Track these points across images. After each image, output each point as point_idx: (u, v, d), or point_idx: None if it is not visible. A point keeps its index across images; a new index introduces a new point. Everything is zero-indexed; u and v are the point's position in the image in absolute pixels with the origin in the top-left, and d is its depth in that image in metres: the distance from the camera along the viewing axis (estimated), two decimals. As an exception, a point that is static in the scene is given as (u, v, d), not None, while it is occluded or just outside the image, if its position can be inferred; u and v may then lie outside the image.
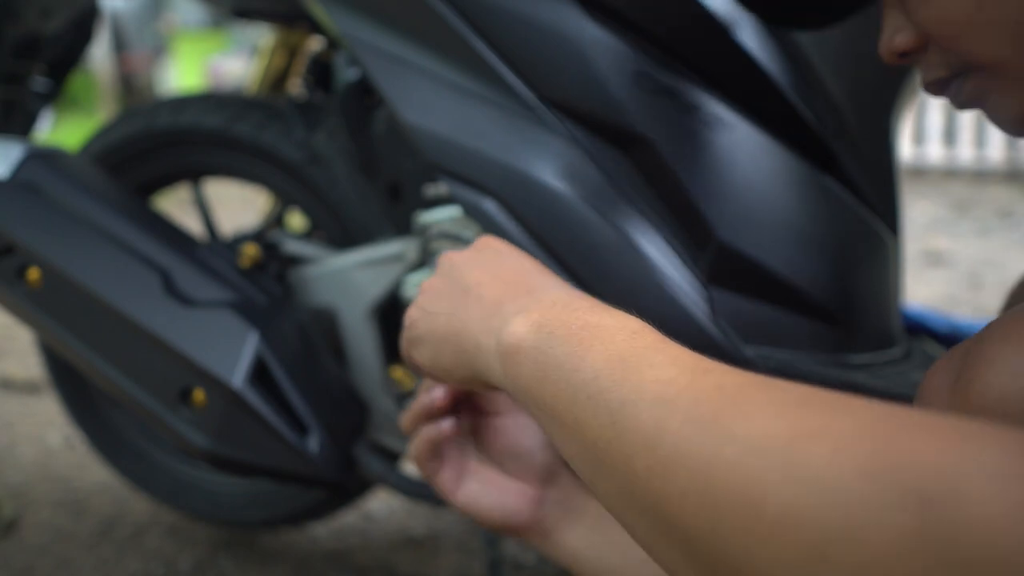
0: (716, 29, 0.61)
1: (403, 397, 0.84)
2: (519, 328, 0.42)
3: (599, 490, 0.34)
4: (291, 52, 1.10)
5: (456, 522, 1.19)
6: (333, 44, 0.93)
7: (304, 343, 0.81)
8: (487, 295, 0.47)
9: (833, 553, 0.23)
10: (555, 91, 0.63)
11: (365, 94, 0.85)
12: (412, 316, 0.52)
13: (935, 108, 4.38)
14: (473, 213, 0.63)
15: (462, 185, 0.63)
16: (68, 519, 1.23)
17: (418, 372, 0.52)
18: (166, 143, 0.93)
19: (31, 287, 0.73)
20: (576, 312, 0.41)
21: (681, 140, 0.61)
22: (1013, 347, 0.35)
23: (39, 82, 1.00)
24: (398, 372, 0.84)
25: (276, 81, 1.11)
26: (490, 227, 0.62)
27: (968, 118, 4.28)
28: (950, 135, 4.30)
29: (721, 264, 0.62)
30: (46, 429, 1.56)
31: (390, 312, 0.84)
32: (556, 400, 0.37)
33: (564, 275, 0.61)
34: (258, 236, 0.91)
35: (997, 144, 4.23)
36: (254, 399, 0.70)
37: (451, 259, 0.53)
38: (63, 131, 4.94)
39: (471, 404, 0.59)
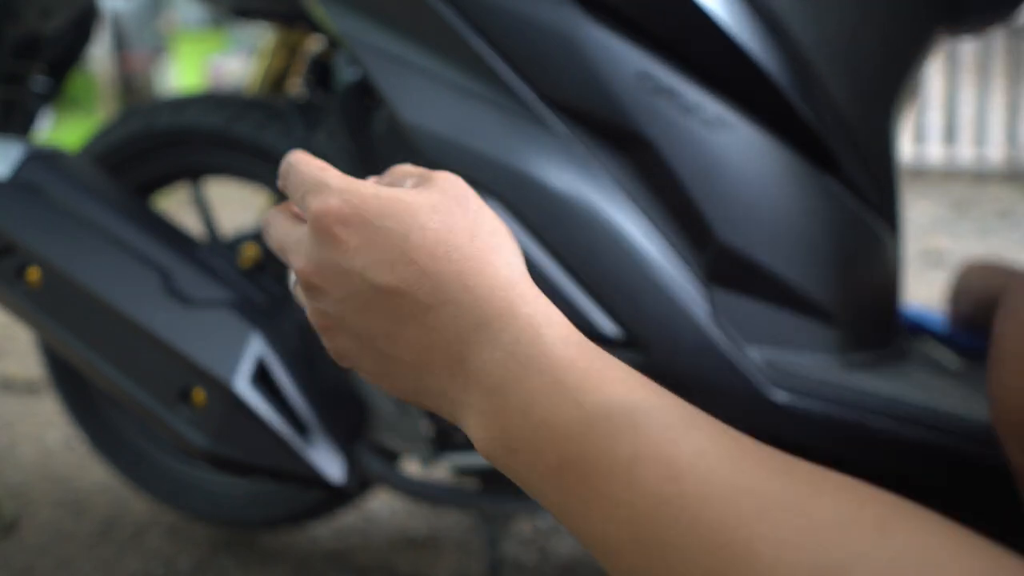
0: (716, 29, 0.61)
1: (403, 397, 0.85)
2: (478, 434, 0.32)
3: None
4: (291, 52, 1.10)
5: (456, 522, 1.19)
6: (333, 44, 0.93)
7: (304, 343, 0.81)
8: (408, 358, 0.34)
9: None
10: (555, 91, 0.63)
11: (365, 94, 0.84)
12: (325, 331, 0.37)
13: (935, 108, 4.38)
14: (473, 213, 0.63)
15: (462, 185, 0.63)
16: (68, 519, 1.23)
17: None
18: (166, 143, 0.93)
19: (31, 287, 0.73)
20: (528, 416, 0.30)
21: (681, 140, 0.61)
22: None
23: (39, 82, 1.00)
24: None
25: (276, 81, 1.11)
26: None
27: (968, 118, 4.28)
28: (950, 135, 4.30)
29: (721, 264, 0.62)
30: (46, 429, 1.56)
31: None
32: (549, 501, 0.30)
33: (564, 275, 0.61)
34: (258, 236, 0.91)
35: (997, 144, 4.23)
36: (254, 399, 0.70)
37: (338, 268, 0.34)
38: (63, 131, 4.94)
39: None
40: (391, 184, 0.38)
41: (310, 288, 0.35)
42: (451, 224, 0.33)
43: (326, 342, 0.36)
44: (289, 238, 0.37)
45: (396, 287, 0.33)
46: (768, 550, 0.24)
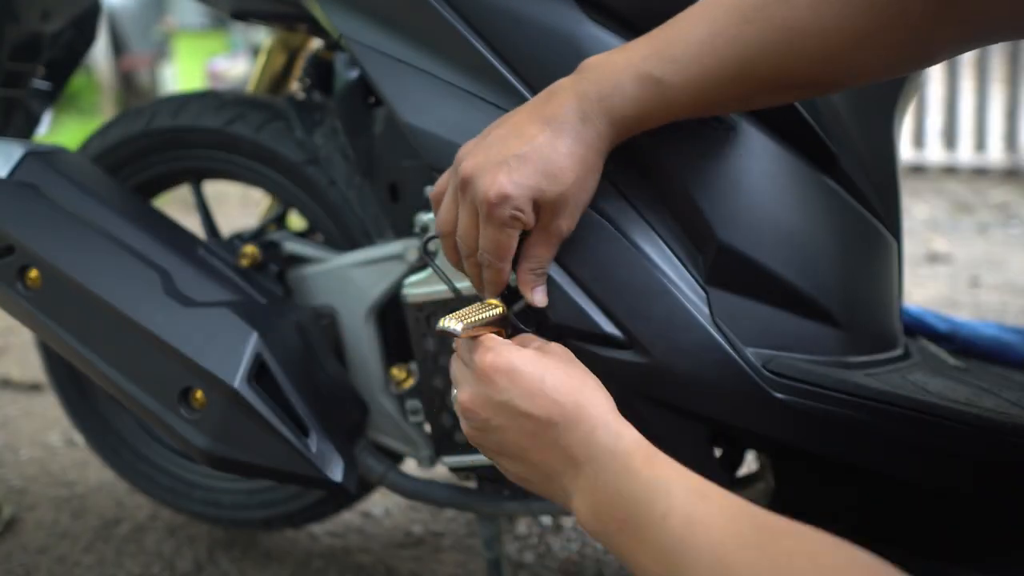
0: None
1: (403, 397, 0.85)
2: (581, 509, 0.48)
3: None
4: (291, 52, 1.10)
5: (456, 522, 1.19)
6: (333, 45, 0.93)
7: (304, 343, 0.81)
8: (536, 459, 0.51)
9: None
10: (555, 91, 0.63)
11: (365, 94, 0.85)
12: (473, 437, 0.55)
13: (935, 109, 4.38)
14: (473, 213, 0.63)
15: (462, 185, 0.63)
16: (68, 519, 1.23)
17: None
18: (165, 143, 0.93)
19: (30, 287, 0.73)
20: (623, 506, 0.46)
21: (681, 140, 0.61)
22: None
23: (39, 82, 1.00)
24: (398, 372, 0.84)
25: (276, 81, 1.11)
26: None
27: (968, 118, 4.28)
28: (950, 136, 4.30)
29: (721, 265, 0.62)
30: (46, 429, 1.56)
31: (390, 312, 0.84)
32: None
33: (564, 275, 0.61)
34: (258, 236, 0.91)
35: (997, 144, 4.23)
36: (254, 399, 0.70)
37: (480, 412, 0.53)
38: (63, 131, 4.94)
39: None
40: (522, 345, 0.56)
41: (468, 413, 0.53)
42: (566, 375, 0.51)
43: (474, 443, 0.55)
44: (458, 375, 0.56)
45: (533, 413, 0.50)
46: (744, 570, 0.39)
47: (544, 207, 0.55)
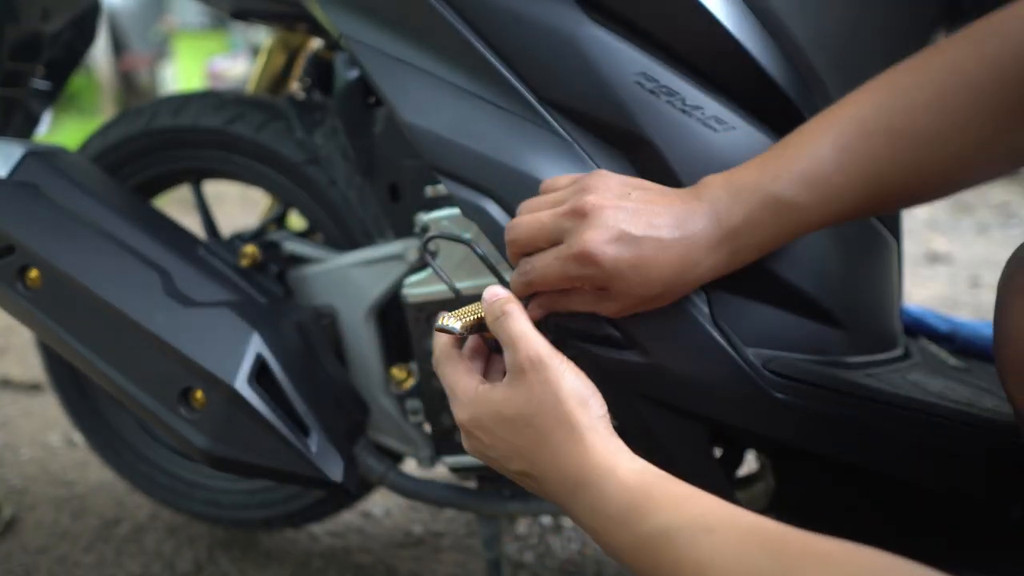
0: (716, 29, 0.61)
1: (403, 397, 0.84)
2: (583, 526, 0.49)
3: None
4: (291, 52, 1.10)
5: (456, 522, 1.19)
6: (333, 45, 0.93)
7: (304, 343, 0.81)
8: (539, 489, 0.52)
9: None
10: (554, 92, 0.63)
11: (365, 94, 0.85)
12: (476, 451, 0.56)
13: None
14: (472, 214, 0.63)
15: (461, 186, 0.63)
16: (68, 519, 1.23)
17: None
18: (165, 143, 0.93)
19: (30, 287, 0.73)
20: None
21: (681, 140, 0.61)
22: None
23: (39, 82, 1.00)
24: (398, 372, 0.84)
25: (276, 81, 1.11)
26: (489, 227, 0.62)
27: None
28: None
29: (721, 264, 0.62)
30: (46, 429, 1.56)
31: (390, 312, 0.84)
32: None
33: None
34: (258, 236, 0.91)
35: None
36: (254, 399, 0.70)
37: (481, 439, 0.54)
38: (63, 131, 4.94)
39: None
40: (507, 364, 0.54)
41: (466, 434, 0.55)
42: (537, 426, 0.50)
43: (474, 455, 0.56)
44: (448, 391, 0.56)
45: (520, 469, 0.52)
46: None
47: (613, 291, 0.53)
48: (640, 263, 0.52)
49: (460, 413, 0.54)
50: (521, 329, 0.52)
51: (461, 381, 0.55)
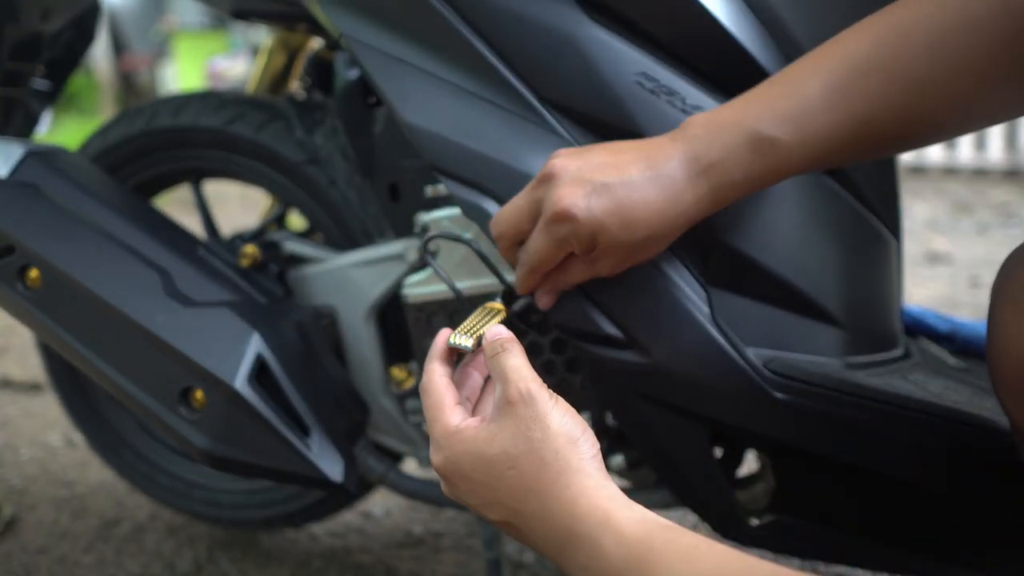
0: (716, 29, 0.61)
1: (403, 397, 0.84)
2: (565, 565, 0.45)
3: None
4: (291, 52, 1.10)
5: (456, 522, 1.19)
6: (333, 44, 0.93)
7: (304, 343, 0.81)
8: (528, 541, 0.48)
9: None
10: (554, 91, 0.63)
11: (365, 94, 0.85)
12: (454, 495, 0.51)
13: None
14: (472, 214, 0.63)
15: (461, 186, 0.63)
16: (68, 519, 1.23)
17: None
18: (165, 143, 0.93)
19: (30, 287, 0.73)
20: None
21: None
22: None
23: (39, 82, 1.00)
24: (398, 372, 0.84)
25: (276, 81, 1.11)
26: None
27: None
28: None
29: (722, 265, 0.62)
30: (46, 429, 1.56)
31: (390, 312, 0.84)
32: None
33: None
34: (258, 236, 0.91)
35: (997, 144, 4.23)
36: (254, 399, 0.70)
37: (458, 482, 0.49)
38: (63, 131, 4.94)
39: None
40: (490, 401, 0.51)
41: (443, 479, 0.50)
42: (522, 468, 0.45)
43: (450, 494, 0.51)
44: (428, 431, 0.51)
45: (500, 519, 0.47)
46: None
47: (600, 245, 0.52)
48: (617, 208, 0.51)
49: (435, 456, 0.50)
50: (515, 364, 0.49)
51: (441, 417, 0.50)
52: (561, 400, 0.48)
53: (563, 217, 0.51)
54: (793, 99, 0.50)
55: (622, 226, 0.51)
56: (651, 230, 0.52)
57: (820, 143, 0.50)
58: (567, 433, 0.46)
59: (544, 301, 0.59)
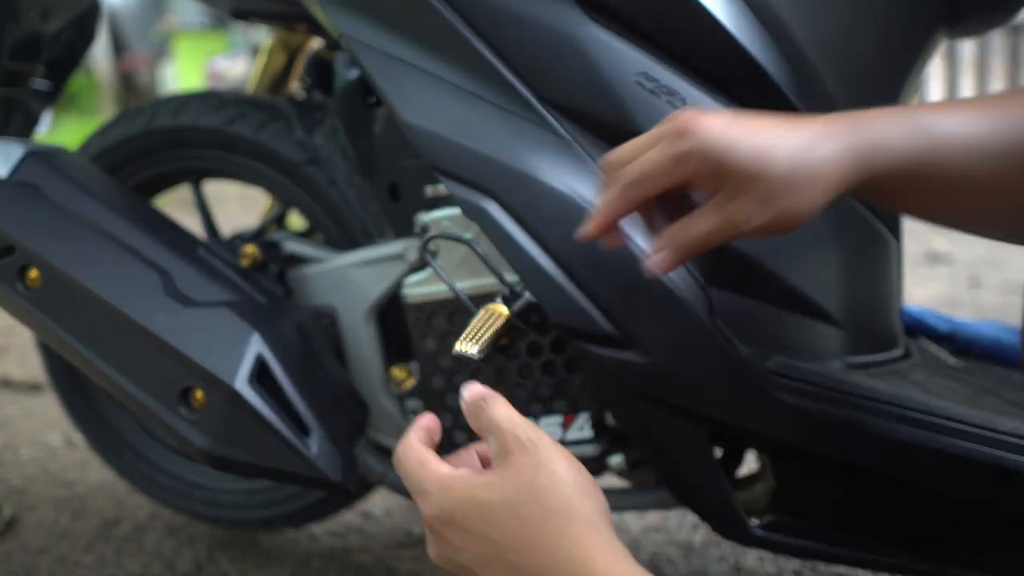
0: (717, 29, 0.61)
1: (403, 397, 0.84)
2: None
3: None
4: (291, 52, 1.10)
5: (456, 522, 1.19)
6: (333, 44, 0.93)
7: (304, 343, 0.81)
8: None
9: None
10: (554, 91, 0.63)
11: (365, 94, 0.85)
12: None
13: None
14: (472, 214, 0.63)
15: (461, 186, 0.63)
16: (68, 519, 1.23)
17: None
18: (165, 143, 0.93)
19: (30, 287, 0.73)
20: None
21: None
22: None
23: (39, 82, 1.00)
24: (398, 372, 0.84)
25: (276, 81, 1.11)
26: (489, 227, 0.62)
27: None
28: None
29: (721, 265, 0.62)
30: (46, 429, 1.56)
31: (390, 312, 0.84)
32: None
33: (564, 276, 0.61)
34: (258, 236, 0.91)
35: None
36: (254, 399, 0.70)
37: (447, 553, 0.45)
38: (63, 131, 4.94)
39: None
40: (483, 451, 0.48)
41: (432, 534, 0.45)
42: (525, 517, 0.41)
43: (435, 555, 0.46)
44: (413, 488, 0.46)
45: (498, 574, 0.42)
46: None
47: (730, 179, 0.45)
48: (750, 136, 0.44)
49: (426, 506, 0.44)
50: (505, 414, 0.45)
51: (428, 467, 0.45)
52: (564, 449, 0.44)
53: (687, 130, 0.45)
54: (942, 108, 0.48)
55: (758, 153, 0.44)
56: (790, 160, 0.44)
57: (972, 143, 0.46)
58: (575, 483, 0.42)
59: (661, 261, 0.48)
